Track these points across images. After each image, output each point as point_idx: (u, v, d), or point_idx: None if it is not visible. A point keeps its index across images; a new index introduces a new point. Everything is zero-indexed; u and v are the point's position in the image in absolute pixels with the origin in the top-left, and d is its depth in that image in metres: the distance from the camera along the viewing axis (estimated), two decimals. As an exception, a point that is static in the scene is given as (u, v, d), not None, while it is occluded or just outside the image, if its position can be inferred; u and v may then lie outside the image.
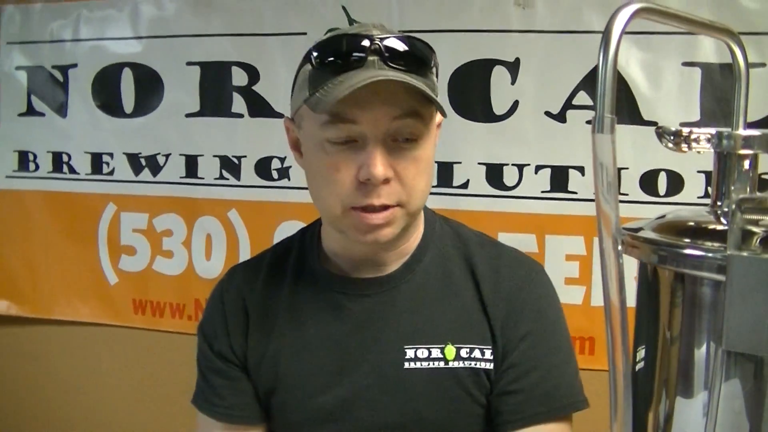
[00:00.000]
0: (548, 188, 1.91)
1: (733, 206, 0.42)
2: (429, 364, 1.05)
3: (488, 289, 1.09)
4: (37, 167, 2.32)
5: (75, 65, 2.25)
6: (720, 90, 1.82)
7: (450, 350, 1.05)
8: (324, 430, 1.07)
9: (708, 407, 0.46)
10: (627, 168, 1.85)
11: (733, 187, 0.54)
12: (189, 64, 2.13)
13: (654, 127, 1.80)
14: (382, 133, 0.95)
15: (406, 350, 1.05)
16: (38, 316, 2.35)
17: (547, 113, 1.89)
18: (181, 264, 2.21)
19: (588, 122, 1.87)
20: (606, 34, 0.45)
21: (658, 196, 1.84)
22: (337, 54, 0.95)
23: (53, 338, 2.36)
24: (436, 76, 1.02)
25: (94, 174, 2.26)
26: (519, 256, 1.15)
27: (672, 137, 0.56)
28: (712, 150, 0.55)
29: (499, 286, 1.09)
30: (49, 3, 2.26)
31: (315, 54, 0.96)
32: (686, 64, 1.82)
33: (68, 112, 2.27)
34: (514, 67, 1.90)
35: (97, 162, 2.26)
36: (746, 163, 0.54)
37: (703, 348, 0.49)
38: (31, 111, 2.31)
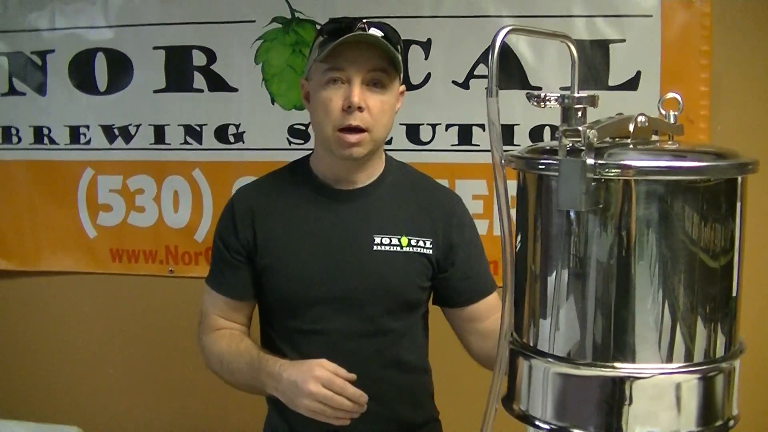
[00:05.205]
0: (456, 142, 2.37)
1: (560, 134, 0.74)
2: (390, 248, 1.54)
3: (433, 202, 1.60)
4: (19, 140, 2.60)
5: (53, 51, 2.55)
6: (590, 60, 2.28)
7: (404, 240, 1.54)
8: (314, 292, 1.53)
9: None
10: (518, 124, 2.31)
11: (565, 126, 0.81)
12: (155, 48, 2.48)
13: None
14: (361, 78, 1.44)
15: (375, 238, 1.54)
16: (25, 268, 2.63)
17: (454, 82, 2.35)
18: (152, 217, 2.55)
19: (487, 88, 2.31)
20: (493, 42, 0.75)
21: (543, 146, 2.29)
22: (337, 25, 1.45)
23: (40, 288, 2.64)
24: (401, 54, 1.50)
25: (72, 144, 2.57)
26: (446, 186, 1.75)
27: (535, 99, 0.82)
28: (559, 106, 0.83)
29: (439, 201, 1.62)
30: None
31: (324, 28, 1.47)
32: (564, 41, 2.28)
33: (47, 91, 2.56)
34: (426, 46, 2.34)
35: (75, 134, 2.57)
36: (579, 113, 0.82)
37: (555, 225, 0.78)
38: (12, 91, 2.59)
